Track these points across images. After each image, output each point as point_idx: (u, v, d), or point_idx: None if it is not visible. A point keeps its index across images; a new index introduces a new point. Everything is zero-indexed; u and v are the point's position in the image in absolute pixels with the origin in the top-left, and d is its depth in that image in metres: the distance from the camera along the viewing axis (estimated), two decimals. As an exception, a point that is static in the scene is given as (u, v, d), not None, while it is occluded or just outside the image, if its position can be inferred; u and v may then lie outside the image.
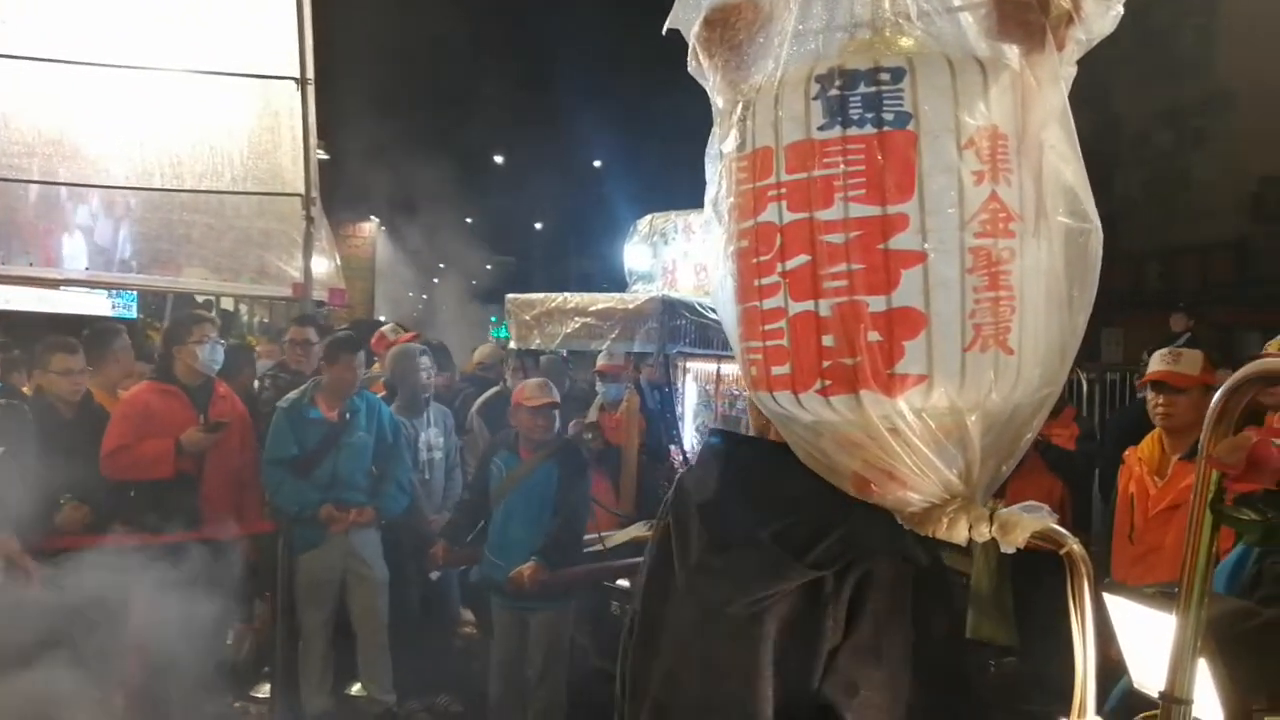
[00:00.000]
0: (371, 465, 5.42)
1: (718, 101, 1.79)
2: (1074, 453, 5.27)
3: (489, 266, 34.47)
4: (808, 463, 1.83)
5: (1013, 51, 1.55)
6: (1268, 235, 18.02)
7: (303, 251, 6.70)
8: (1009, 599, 5.44)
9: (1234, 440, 1.23)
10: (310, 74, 6.53)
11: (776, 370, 1.64)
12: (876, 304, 1.52)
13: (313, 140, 6.66)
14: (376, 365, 6.92)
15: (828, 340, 1.56)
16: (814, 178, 1.55)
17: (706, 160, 1.85)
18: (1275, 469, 1.24)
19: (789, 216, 1.58)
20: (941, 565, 2.20)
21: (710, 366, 5.65)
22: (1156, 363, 4.20)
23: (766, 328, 1.64)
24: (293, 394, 5.44)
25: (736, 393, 5.71)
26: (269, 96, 6.93)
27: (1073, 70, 1.52)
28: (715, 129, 1.81)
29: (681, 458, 5.51)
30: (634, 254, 6.29)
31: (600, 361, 6.17)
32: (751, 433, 2.09)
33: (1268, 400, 3.87)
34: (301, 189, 6.72)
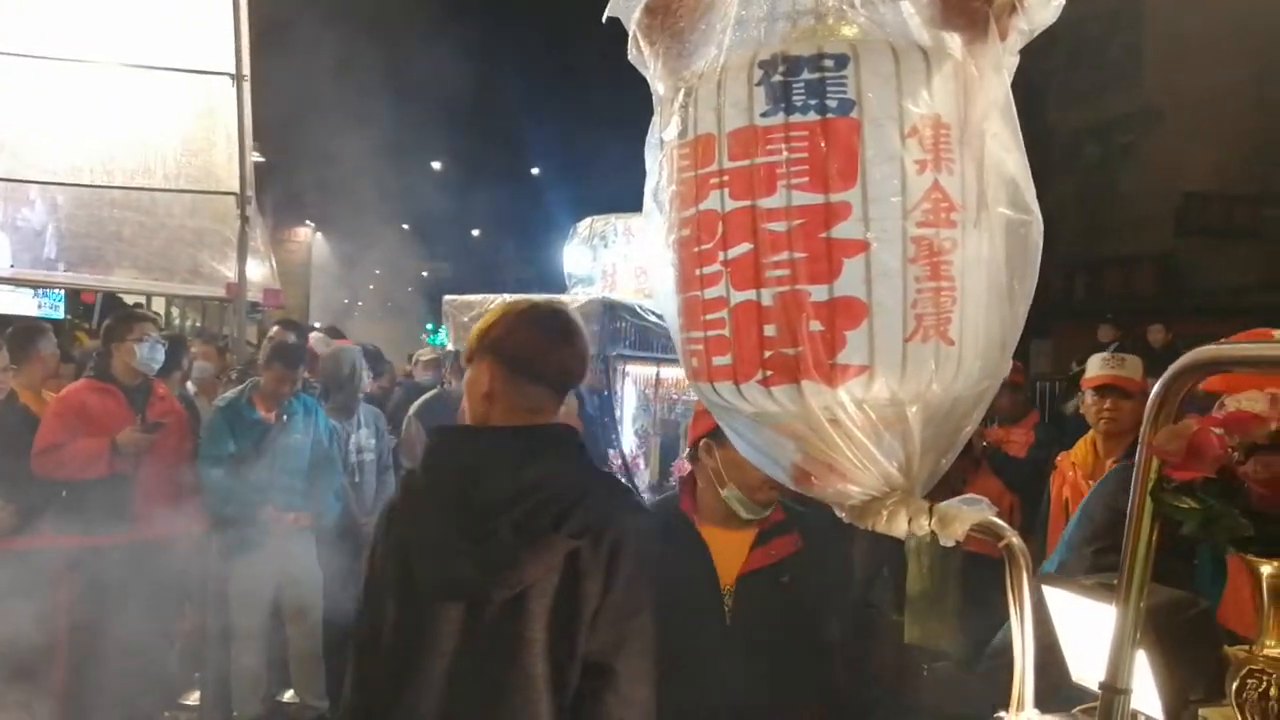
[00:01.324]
0: (307, 468, 5.34)
1: (659, 89, 1.76)
2: (1023, 461, 5.31)
3: (425, 273, 34.20)
4: (747, 455, 1.82)
5: (955, 40, 1.54)
6: (1191, 249, 18.51)
7: (237, 251, 6.53)
8: (949, 603, 5.48)
9: (1175, 428, 1.23)
10: (246, 70, 6.38)
11: (718, 361, 1.62)
12: (819, 293, 1.50)
13: (248, 138, 6.51)
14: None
15: (769, 330, 1.54)
16: (757, 165, 1.53)
17: (646, 150, 1.82)
18: (1215, 457, 1.24)
19: (731, 204, 1.56)
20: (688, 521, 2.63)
21: (650, 370, 5.63)
22: (1100, 367, 4.24)
23: (708, 317, 1.62)
24: (230, 393, 5.40)
25: (676, 396, 5.69)
26: (204, 92, 6.75)
27: (1015, 60, 1.52)
28: (656, 118, 1.79)
29: (620, 461, 5.48)
30: (573, 257, 6.26)
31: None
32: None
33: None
34: (236, 188, 6.56)
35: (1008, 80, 1.53)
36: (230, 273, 6.80)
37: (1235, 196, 18.92)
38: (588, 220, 6.23)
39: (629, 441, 5.66)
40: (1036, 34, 1.50)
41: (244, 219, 6.43)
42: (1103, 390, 4.17)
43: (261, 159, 6.89)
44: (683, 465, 5.38)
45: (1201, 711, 1.45)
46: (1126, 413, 4.07)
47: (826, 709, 2.60)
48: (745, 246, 1.55)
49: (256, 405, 5.30)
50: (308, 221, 25.21)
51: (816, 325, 1.51)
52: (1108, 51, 20.40)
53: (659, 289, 1.82)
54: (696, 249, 1.62)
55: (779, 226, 1.51)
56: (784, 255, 1.51)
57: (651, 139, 1.80)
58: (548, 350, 2.10)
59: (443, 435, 2.16)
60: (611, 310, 5.03)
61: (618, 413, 5.45)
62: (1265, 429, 1.25)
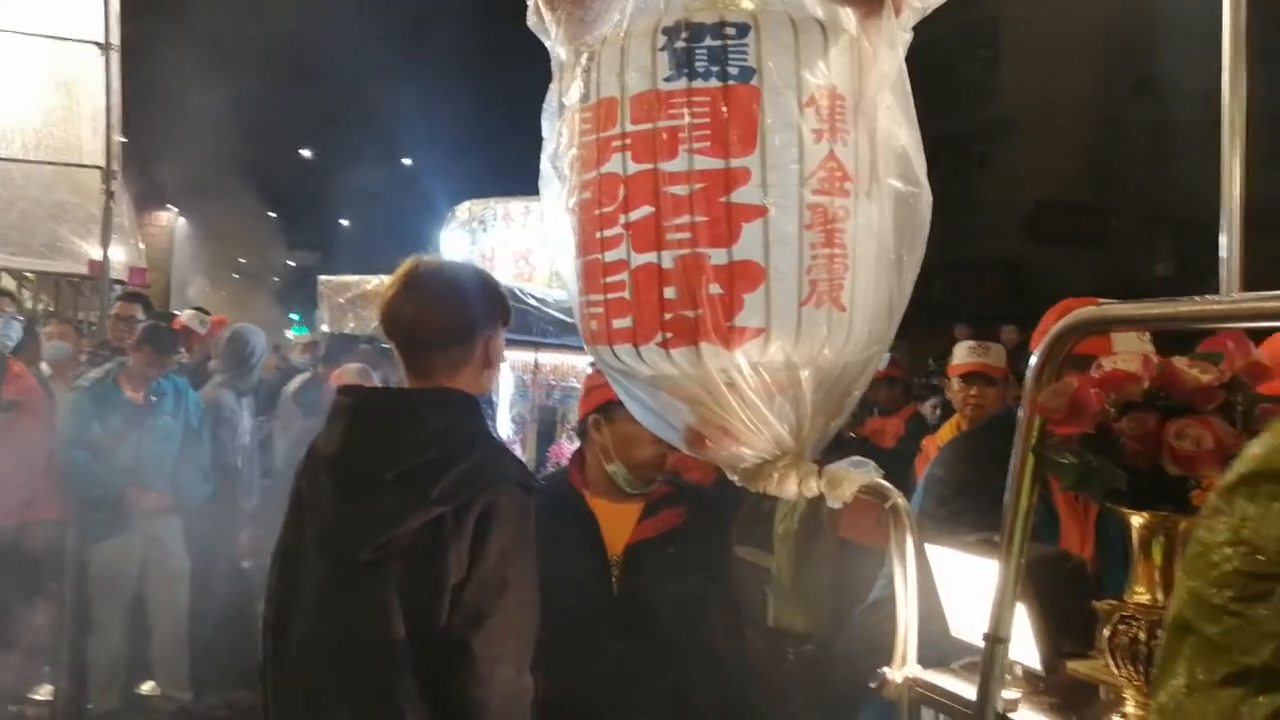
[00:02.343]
0: (177, 451, 5.13)
1: (560, 54, 1.76)
2: (891, 451, 5.45)
3: (291, 263, 33.21)
4: (642, 420, 1.84)
5: (850, 16, 1.59)
6: (1040, 255, 19.45)
7: (101, 228, 6.19)
8: (810, 587, 5.61)
9: (1058, 386, 1.30)
10: (116, 39, 6.07)
11: (618, 323, 1.63)
12: (718, 257, 1.53)
13: (116, 110, 6.19)
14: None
15: (669, 293, 1.56)
16: (659, 129, 1.55)
17: (543, 117, 1.82)
18: (1094, 413, 1.31)
19: (633, 167, 1.57)
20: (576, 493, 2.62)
21: (528, 356, 5.60)
22: (967, 355, 4.40)
23: (608, 280, 1.63)
24: (95, 373, 5.13)
25: (554, 382, 5.68)
26: (69, 61, 6.41)
27: (909, 36, 1.58)
28: (554, 84, 1.79)
29: (497, 447, 5.43)
30: (451, 240, 6.17)
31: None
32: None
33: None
34: (101, 161, 6.23)
35: (901, 55, 1.58)
36: (93, 250, 6.45)
37: (1082, 206, 20.00)
38: (466, 204, 6.15)
39: (505, 428, 5.62)
40: (929, 11, 1.56)
41: (109, 194, 6.11)
42: (969, 377, 4.34)
43: (124, 140, 6.53)
44: (560, 450, 5.38)
45: (1070, 664, 1.54)
46: (991, 398, 4.26)
47: (709, 677, 2.64)
48: (646, 209, 1.56)
49: (123, 386, 5.06)
50: (170, 206, 24.14)
51: (716, 288, 1.54)
52: (967, 64, 21.25)
53: (558, 254, 1.82)
54: (597, 212, 1.63)
55: (680, 190, 1.54)
56: (685, 218, 1.54)
57: (549, 106, 1.80)
58: (418, 313, 2.06)
59: (342, 396, 2.12)
60: (492, 293, 4.97)
61: (494, 398, 5.41)
62: (1139, 388, 1.32)
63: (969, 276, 19.75)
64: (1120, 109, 18.56)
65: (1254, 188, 1.91)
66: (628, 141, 1.57)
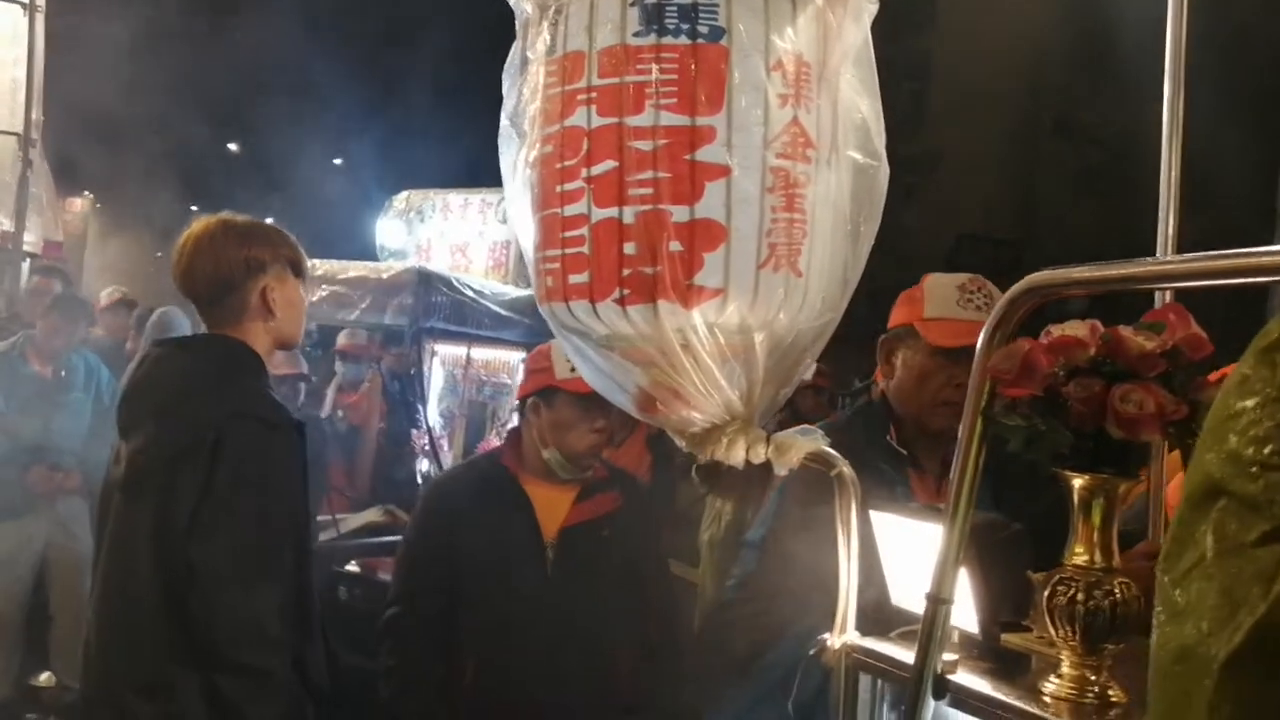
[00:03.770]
0: (87, 430, 4.94)
1: (526, 9, 1.75)
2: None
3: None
4: (593, 383, 1.83)
5: (818, -14, 1.61)
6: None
7: (16, 197, 5.95)
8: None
9: (1010, 348, 1.33)
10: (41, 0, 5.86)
11: (574, 279, 1.62)
12: (680, 214, 1.53)
13: (39, 75, 5.96)
14: (96, 329, 6.31)
15: (629, 248, 1.56)
16: (626, 83, 1.55)
17: (504, 75, 1.82)
18: (1044, 375, 1.34)
19: (598, 121, 1.57)
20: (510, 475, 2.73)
21: (460, 350, 5.54)
22: None
23: (567, 235, 1.62)
24: (0, 345, 4.90)
25: (485, 378, 5.63)
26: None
27: (874, 8, 1.61)
28: (518, 41, 1.78)
29: (425, 441, 5.37)
30: (387, 230, 6.09)
31: (341, 340, 5.92)
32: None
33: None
34: (19, 128, 5.99)
35: (866, 28, 1.61)
36: (6, 220, 6.20)
37: (1000, 240, 20.55)
38: (404, 194, 6.07)
39: (435, 421, 5.56)
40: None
41: (26, 162, 5.88)
42: None
43: (41, 116, 6.27)
44: (488, 444, 5.33)
45: (1003, 636, 1.57)
46: None
47: (641, 657, 2.64)
48: (610, 164, 1.56)
49: (30, 359, 4.87)
50: (86, 192, 23.33)
51: (676, 245, 1.54)
52: (897, 97, 21.69)
53: (513, 211, 1.81)
54: (559, 165, 1.62)
55: (645, 145, 1.54)
56: (648, 174, 1.54)
57: (511, 63, 1.79)
58: (189, 270, 2.22)
59: (151, 347, 2.35)
60: (427, 281, 4.90)
61: (424, 392, 5.35)
62: (1086, 353, 1.36)
63: (891, 301, 20.11)
64: (1043, 146, 19.16)
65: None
66: (593, 95, 1.57)
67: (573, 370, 2.64)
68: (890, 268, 2.47)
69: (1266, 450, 0.68)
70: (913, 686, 1.43)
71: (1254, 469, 0.68)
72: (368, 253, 6.09)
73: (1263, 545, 0.66)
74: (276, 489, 2.09)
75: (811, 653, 1.66)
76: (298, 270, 2.30)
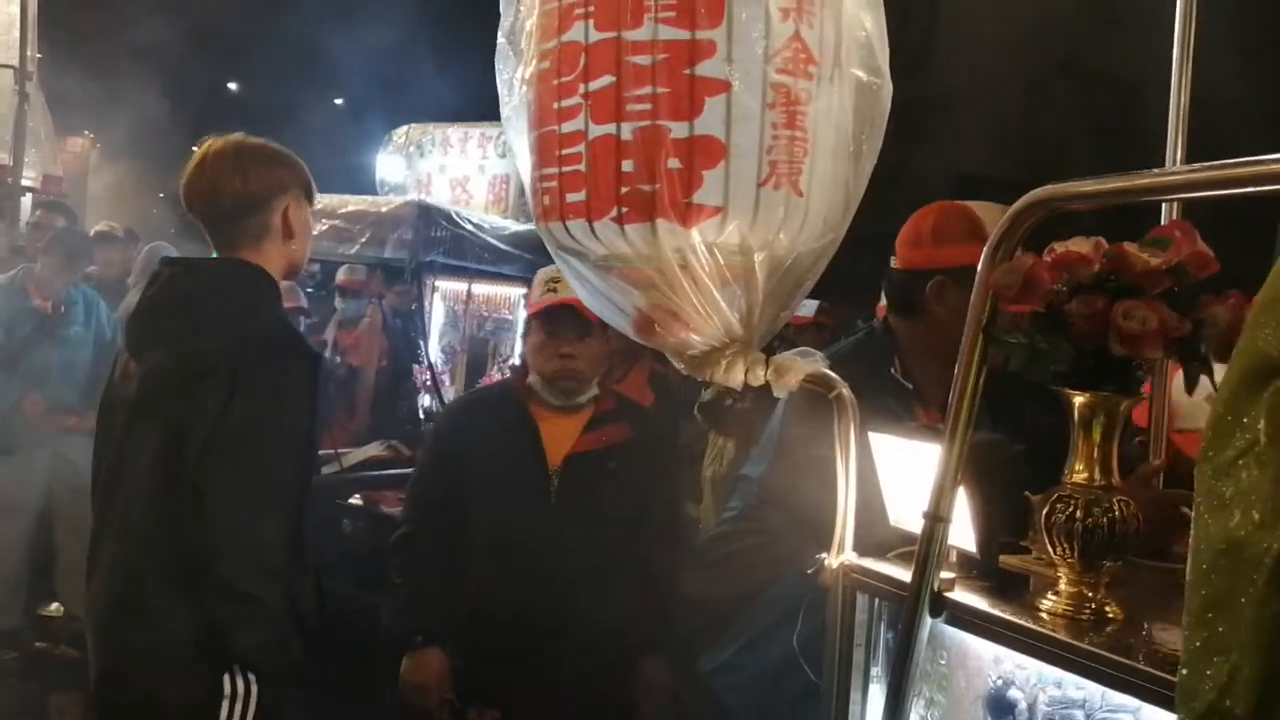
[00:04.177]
0: (89, 365, 4.94)
1: (523, -78, 1.71)
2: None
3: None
4: (591, 305, 1.82)
5: (823, -104, 1.57)
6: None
7: (14, 131, 5.88)
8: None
9: (1012, 263, 1.31)
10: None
11: (571, 197, 1.60)
12: (679, 130, 1.51)
13: (33, 5, 5.86)
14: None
15: (627, 166, 1.53)
16: (625, -4, 1.51)
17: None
18: (1046, 291, 1.32)
19: (596, 35, 1.53)
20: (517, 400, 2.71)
21: (460, 286, 5.52)
22: None
23: (564, 152, 1.59)
24: (0, 278, 4.88)
25: (486, 314, 5.62)
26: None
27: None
28: (516, -44, 1.74)
29: (427, 376, 5.37)
30: (387, 164, 6.03)
31: (340, 276, 5.90)
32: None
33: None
34: (15, 61, 5.91)
35: (870, -60, 1.57)
36: (3, 153, 6.13)
37: (1004, 182, 20.36)
38: (404, 128, 6.00)
39: (436, 357, 5.56)
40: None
41: (23, 95, 5.80)
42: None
43: (39, 54, 6.15)
44: (489, 380, 5.34)
45: (1001, 557, 1.57)
46: None
47: (641, 593, 2.66)
48: (607, 79, 1.53)
49: (31, 294, 4.86)
50: (86, 132, 23.09)
51: (675, 163, 1.51)
52: (906, 37, 21.39)
53: (509, 130, 1.78)
54: (555, 81, 1.59)
55: (643, 60, 1.50)
56: (647, 89, 1.51)
57: (508, -21, 1.75)
58: (209, 186, 2.17)
59: (161, 266, 2.26)
60: (427, 214, 4.85)
61: (425, 328, 5.34)
62: (1090, 270, 1.34)
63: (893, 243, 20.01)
64: (1053, 88, 18.90)
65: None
66: (591, 9, 1.53)
67: (543, 294, 2.65)
68: (895, 214, 2.43)
69: None
70: (910, 603, 1.43)
71: None
72: (368, 188, 6.04)
73: None
74: (291, 420, 2.07)
75: (809, 571, 1.66)
76: (309, 195, 2.28)
